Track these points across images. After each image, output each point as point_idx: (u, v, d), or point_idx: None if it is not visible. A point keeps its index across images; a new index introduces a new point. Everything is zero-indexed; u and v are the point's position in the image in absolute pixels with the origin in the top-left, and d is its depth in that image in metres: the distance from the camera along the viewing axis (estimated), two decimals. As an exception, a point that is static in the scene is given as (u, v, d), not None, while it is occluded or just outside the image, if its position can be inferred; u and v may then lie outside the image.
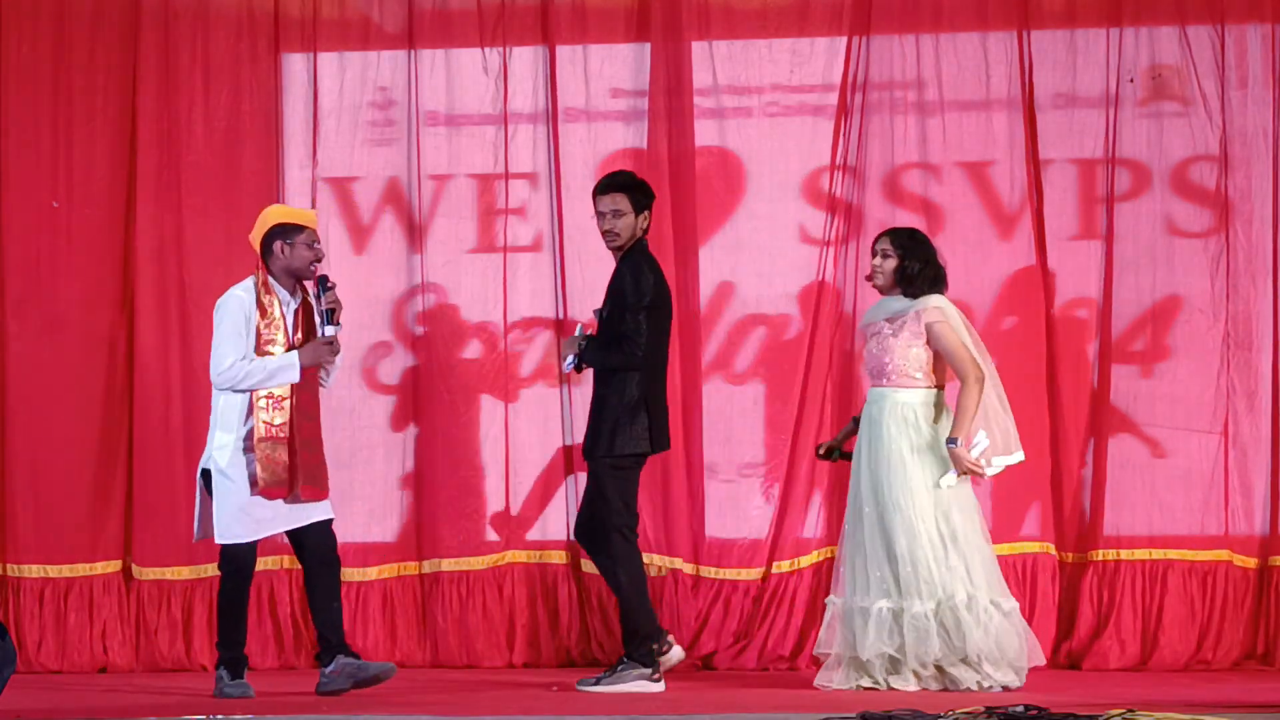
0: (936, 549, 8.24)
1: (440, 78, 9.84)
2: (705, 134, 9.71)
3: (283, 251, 8.27)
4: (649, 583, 8.79)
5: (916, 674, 8.22)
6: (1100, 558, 9.40)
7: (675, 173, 9.65)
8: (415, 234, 9.80)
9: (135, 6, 9.80)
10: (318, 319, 8.36)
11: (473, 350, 9.80)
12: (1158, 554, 9.40)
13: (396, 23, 9.86)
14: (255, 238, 8.36)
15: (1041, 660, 8.49)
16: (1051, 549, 9.44)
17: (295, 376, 8.19)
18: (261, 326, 8.22)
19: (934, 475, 8.30)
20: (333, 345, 8.31)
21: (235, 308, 8.23)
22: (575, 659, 9.53)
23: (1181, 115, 9.50)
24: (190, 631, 9.52)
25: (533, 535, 9.70)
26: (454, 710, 7.82)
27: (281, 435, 8.20)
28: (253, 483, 8.16)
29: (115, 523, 9.69)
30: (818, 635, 8.65)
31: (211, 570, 9.15)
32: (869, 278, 8.58)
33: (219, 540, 8.24)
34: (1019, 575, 9.39)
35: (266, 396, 8.21)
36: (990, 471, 8.38)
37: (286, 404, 8.21)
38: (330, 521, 8.36)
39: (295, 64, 9.89)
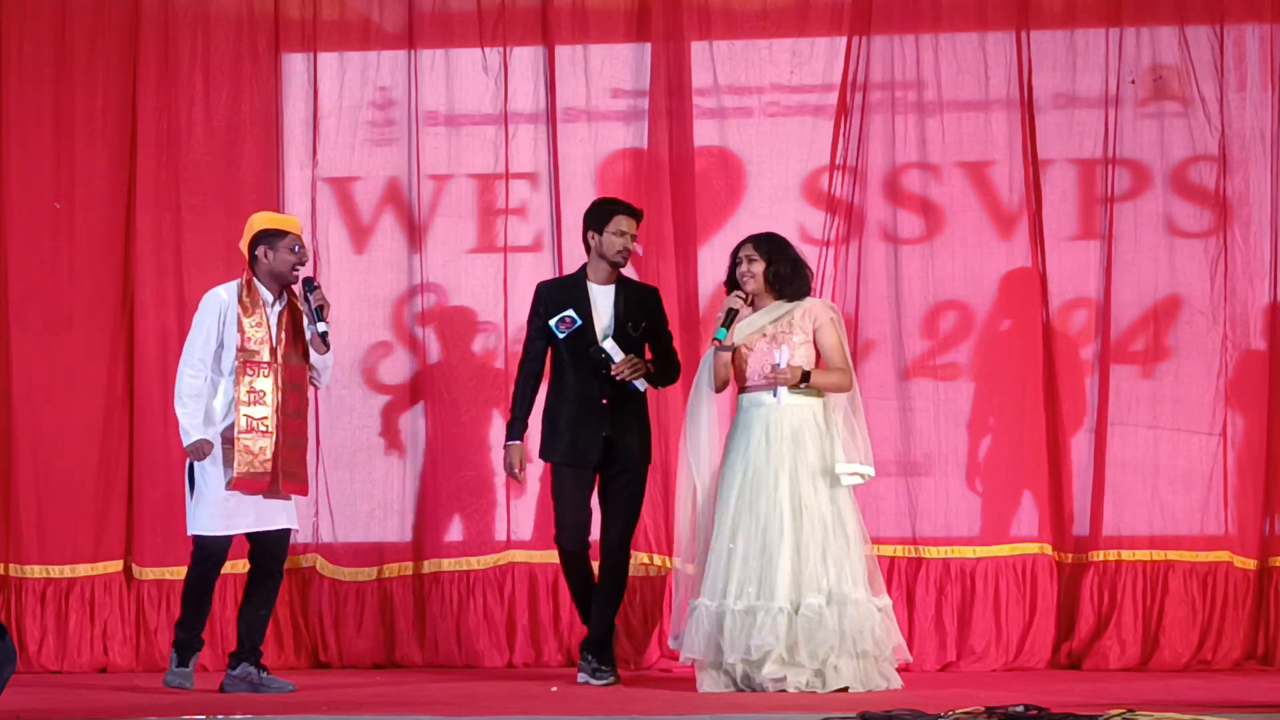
0: (802, 549, 8.15)
1: (440, 78, 9.85)
2: (705, 134, 9.72)
3: (266, 256, 8.46)
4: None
5: (777, 673, 8.12)
6: (1100, 558, 9.41)
7: (676, 173, 9.66)
8: (415, 234, 9.81)
9: (135, 7, 9.82)
10: (306, 319, 8.50)
11: (472, 350, 9.81)
12: (1158, 555, 9.40)
13: (396, 23, 9.87)
14: (243, 245, 8.55)
15: (908, 659, 8.47)
16: (1046, 549, 9.44)
17: (185, 441, 8.39)
18: (247, 325, 8.40)
19: (805, 478, 8.23)
20: (325, 343, 8.47)
21: (212, 309, 8.44)
22: (575, 659, 9.52)
23: (1181, 116, 9.50)
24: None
25: (533, 535, 9.70)
26: (454, 710, 7.82)
27: (264, 429, 8.35)
28: (228, 474, 8.33)
29: (116, 523, 9.70)
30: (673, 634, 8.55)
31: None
32: (733, 287, 8.39)
33: (191, 531, 8.43)
34: (1018, 576, 9.40)
35: (249, 391, 8.36)
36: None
37: (269, 398, 8.37)
38: (290, 531, 8.56)
39: (295, 64, 9.90)
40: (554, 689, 8.49)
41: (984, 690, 8.17)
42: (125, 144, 9.80)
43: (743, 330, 8.36)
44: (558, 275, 9.61)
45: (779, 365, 8.23)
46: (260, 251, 8.45)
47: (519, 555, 9.67)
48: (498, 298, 9.77)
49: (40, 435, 9.72)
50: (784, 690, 8.05)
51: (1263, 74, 9.45)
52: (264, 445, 8.34)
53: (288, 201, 9.82)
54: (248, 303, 8.42)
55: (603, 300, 8.74)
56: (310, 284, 8.47)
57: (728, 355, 8.35)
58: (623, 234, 8.66)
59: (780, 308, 8.37)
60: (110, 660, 9.66)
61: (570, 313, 8.67)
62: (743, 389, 8.40)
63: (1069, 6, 9.56)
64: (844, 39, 9.61)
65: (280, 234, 8.47)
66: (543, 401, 8.79)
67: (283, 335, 8.44)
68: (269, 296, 8.47)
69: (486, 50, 9.82)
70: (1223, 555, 9.36)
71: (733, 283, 8.44)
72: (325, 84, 9.86)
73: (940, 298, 9.54)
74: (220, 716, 7.33)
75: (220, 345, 8.42)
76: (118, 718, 7.56)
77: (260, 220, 8.54)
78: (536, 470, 9.39)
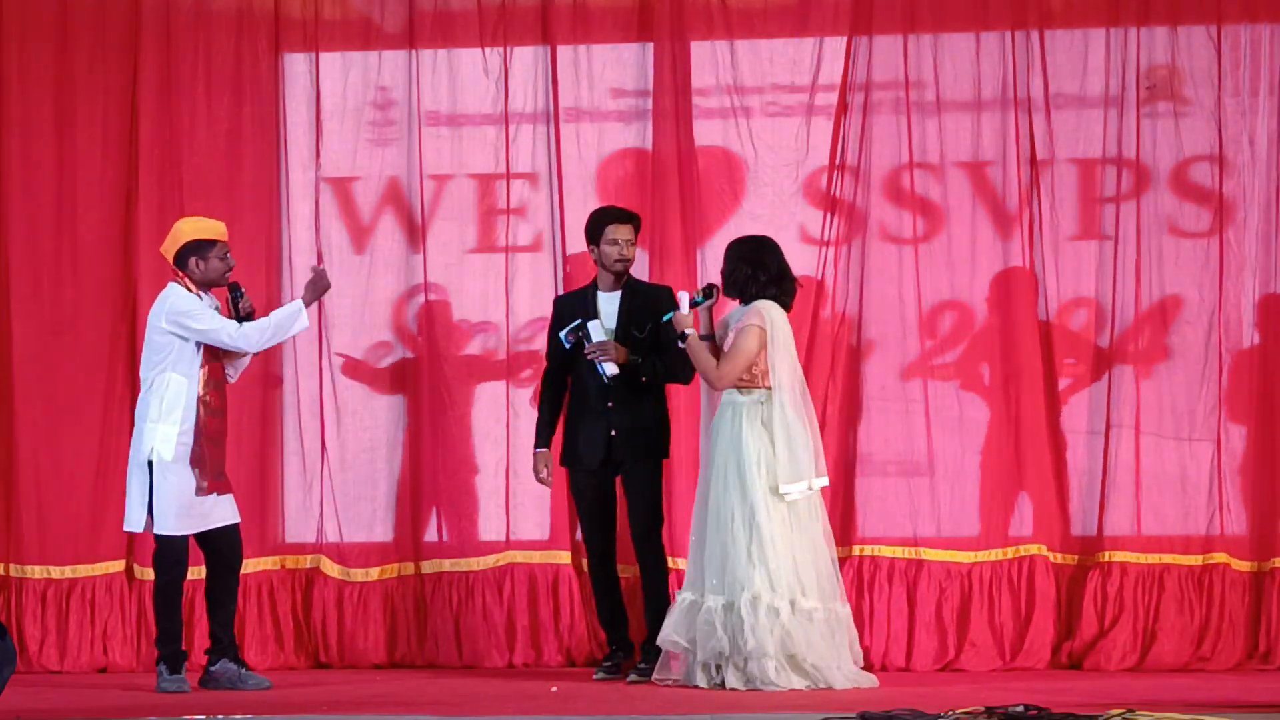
0: (740, 548, 8.34)
1: (441, 78, 9.85)
2: (706, 134, 9.72)
3: (197, 266, 8.60)
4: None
5: (704, 668, 8.38)
6: (1100, 560, 9.40)
7: (677, 173, 9.66)
8: (415, 234, 9.81)
9: (136, 7, 9.81)
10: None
11: (473, 350, 9.82)
12: (1156, 558, 9.38)
13: (397, 23, 9.87)
14: (168, 251, 8.67)
15: (859, 662, 8.56)
16: (1045, 550, 9.42)
17: (305, 321, 8.63)
18: None
19: (754, 476, 8.39)
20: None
21: (193, 298, 8.54)
22: (575, 659, 9.54)
23: (1181, 116, 9.49)
24: (191, 631, 9.51)
25: (533, 535, 9.71)
26: (453, 710, 7.83)
27: (222, 430, 8.58)
28: (199, 480, 8.45)
29: (117, 523, 9.63)
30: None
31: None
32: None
33: (159, 531, 8.51)
34: (1018, 577, 9.39)
35: (211, 394, 8.52)
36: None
37: (225, 402, 8.59)
38: (238, 525, 8.67)
39: (297, 64, 9.90)
40: (554, 689, 8.50)
41: (984, 690, 8.18)
42: (127, 145, 9.79)
43: (720, 331, 8.66)
44: (557, 276, 9.71)
45: (681, 310, 8.54)
46: (192, 262, 8.59)
47: (519, 556, 9.67)
48: (498, 298, 9.77)
49: (42, 436, 9.71)
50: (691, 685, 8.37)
51: (1255, 75, 9.43)
52: (221, 447, 8.57)
53: (291, 202, 9.82)
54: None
55: (608, 307, 8.93)
56: (238, 289, 8.64)
57: (691, 344, 8.55)
58: (615, 242, 8.90)
59: (736, 311, 8.66)
60: (110, 660, 9.65)
61: (578, 322, 8.85)
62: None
63: (1068, 6, 9.55)
64: (844, 39, 9.61)
65: (210, 243, 8.60)
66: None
67: None
68: (212, 301, 8.64)
69: (487, 50, 9.82)
70: (1220, 557, 9.35)
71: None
72: (326, 84, 9.86)
73: (940, 298, 9.54)
74: (220, 716, 7.34)
75: (184, 344, 8.52)
76: (118, 718, 7.57)
77: (188, 229, 8.66)
78: (527, 465, 9.44)
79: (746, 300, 8.59)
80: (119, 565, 9.70)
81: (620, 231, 8.90)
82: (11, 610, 9.64)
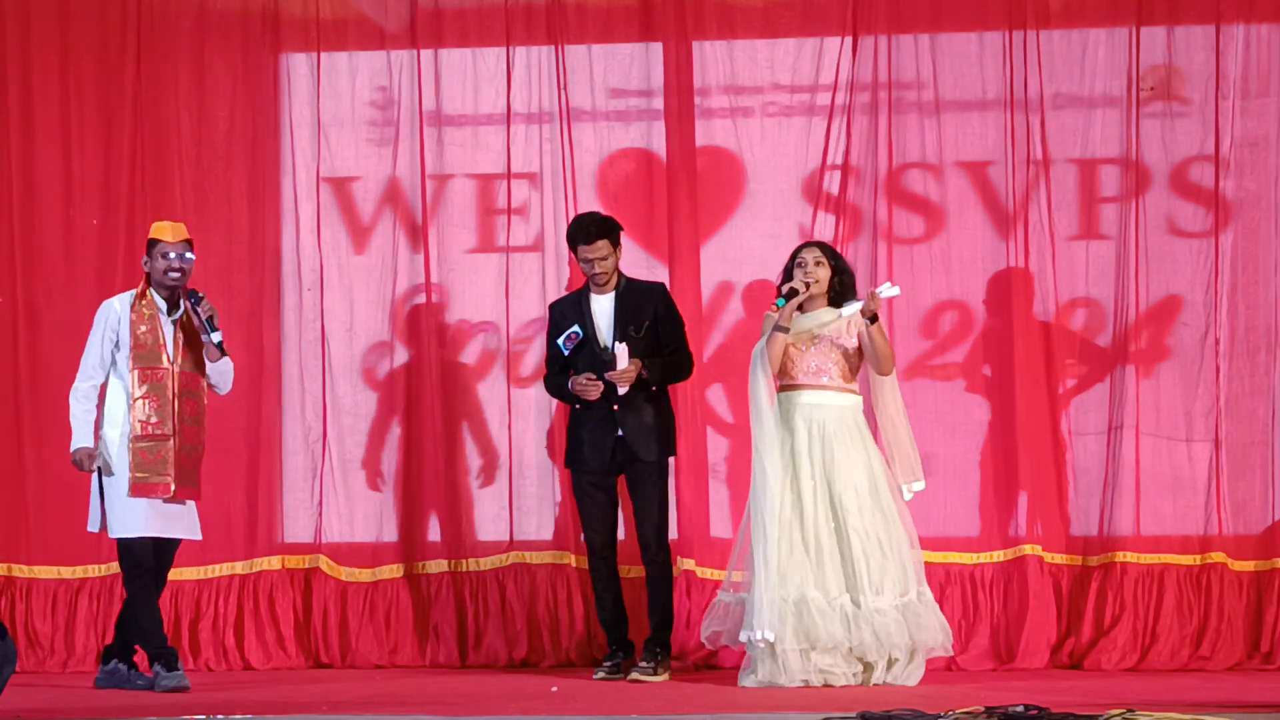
0: (871, 547, 8.41)
1: (442, 78, 9.85)
2: (706, 134, 9.73)
3: (145, 264, 8.63)
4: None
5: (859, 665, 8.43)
6: (1100, 560, 9.40)
7: (676, 172, 9.66)
8: (415, 234, 9.81)
9: (138, 8, 9.82)
10: (199, 329, 8.61)
11: (473, 350, 9.83)
12: (1156, 558, 9.38)
13: (398, 23, 9.88)
14: None
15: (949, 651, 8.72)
16: (1044, 550, 9.43)
17: (73, 445, 8.52)
18: (139, 333, 8.54)
19: (866, 477, 8.47)
20: (220, 351, 8.59)
21: (100, 321, 8.64)
22: (575, 659, 9.54)
23: (1180, 116, 9.50)
24: (196, 631, 9.54)
25: (533, 535, 9.72)
26: (453, 710, 7.83)
27: (160, 433, 8.49)
28: (129, 481, 8.45)
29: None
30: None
31: (218, 571, 9.34)
32: (791, 288, 8.52)
33: (112, 534, 8.56)
34: (1017, 577, 9.39)
35: (143, 397, 8.50)
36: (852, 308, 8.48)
37: (164, 405, 8.50)
38: (179, 541, 8.64)
39: (298, 64, 9.92)
40: (554, 689, 8.50)
41: (984, 690, 8.18)
42: (129, 146, 9.80)
43: (799, 328, 8.55)
44: (557, 277, 9.71)
45: (881, 293, 8.43)
46: (144, 260, 8.62)
47: (520, 556, 9.67)
48: (498, 298, 9.78)
49: (49, 438, 9.70)
50: (829, 684, 8.31)
51: (1254, 75, 9.44)
52: (160, 450, 8.49)
53: (299, 204, 9.82)
54: (140, 310, 8.56)
55: (602, 309, 8.93)
56: (195, 295, 8.59)
57: (785, 337, 8.50)
58: (588, 261, 8.87)
59: (829, 314, 8.57)
60: (113, 660, 9.66)
61: (575, 329, 8.88)
62: (782, 387, 8.56)
63: (1068, 6, 9.56)
64: (845, 39, 9.61)
65: (154, 242, 8.61)
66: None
67: (177, 342, 8.58)
68: (163, 304, 8.60)
69: (489, 50, 9.83)
70: (1219, 557, 9.36)
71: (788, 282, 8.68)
72: (327, 84, 9.87)
73: (940, 298, 9.55)
74: (220, 716, 7.34)
75: (116, 351, 8.57)
76: (118, 718, 7.57)
77: (152, 229, 8.68)
78: (541, 475, 9.45)
79: (840, 304, 8.60)
80: (124, 565, 9.72)
81: (588, 252, 8.85)
82: (21, 610, 9.65)
